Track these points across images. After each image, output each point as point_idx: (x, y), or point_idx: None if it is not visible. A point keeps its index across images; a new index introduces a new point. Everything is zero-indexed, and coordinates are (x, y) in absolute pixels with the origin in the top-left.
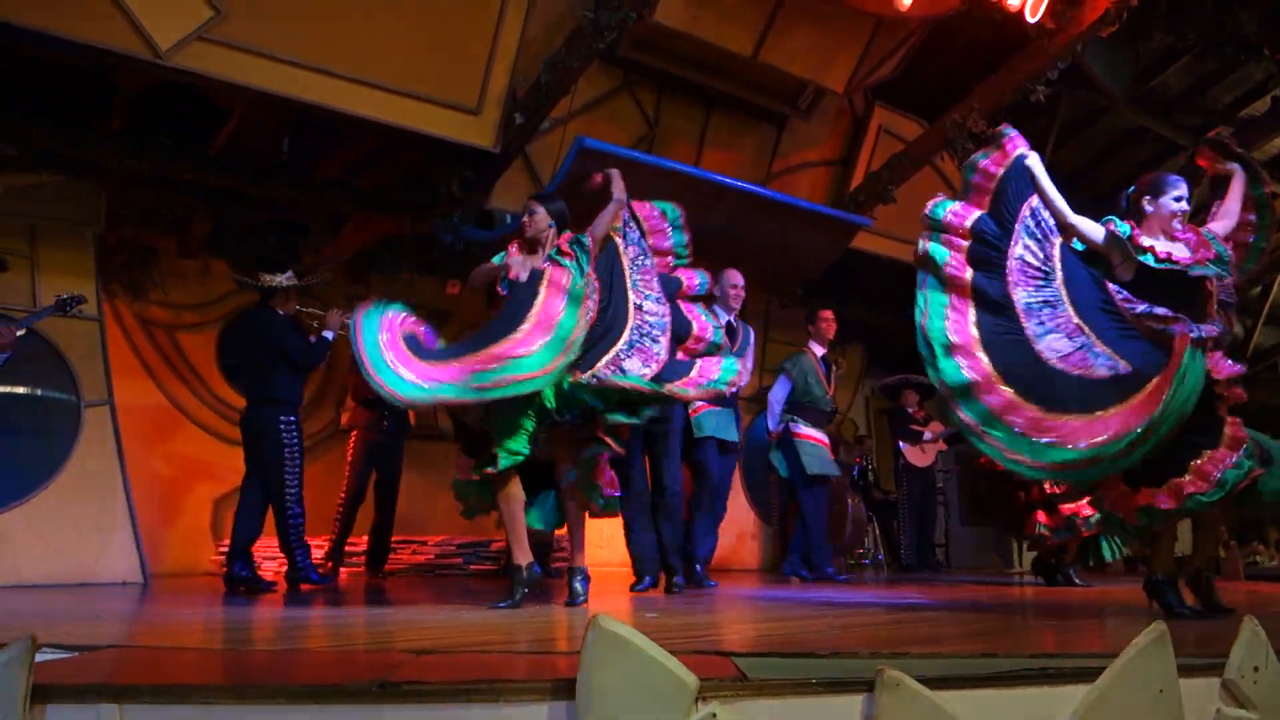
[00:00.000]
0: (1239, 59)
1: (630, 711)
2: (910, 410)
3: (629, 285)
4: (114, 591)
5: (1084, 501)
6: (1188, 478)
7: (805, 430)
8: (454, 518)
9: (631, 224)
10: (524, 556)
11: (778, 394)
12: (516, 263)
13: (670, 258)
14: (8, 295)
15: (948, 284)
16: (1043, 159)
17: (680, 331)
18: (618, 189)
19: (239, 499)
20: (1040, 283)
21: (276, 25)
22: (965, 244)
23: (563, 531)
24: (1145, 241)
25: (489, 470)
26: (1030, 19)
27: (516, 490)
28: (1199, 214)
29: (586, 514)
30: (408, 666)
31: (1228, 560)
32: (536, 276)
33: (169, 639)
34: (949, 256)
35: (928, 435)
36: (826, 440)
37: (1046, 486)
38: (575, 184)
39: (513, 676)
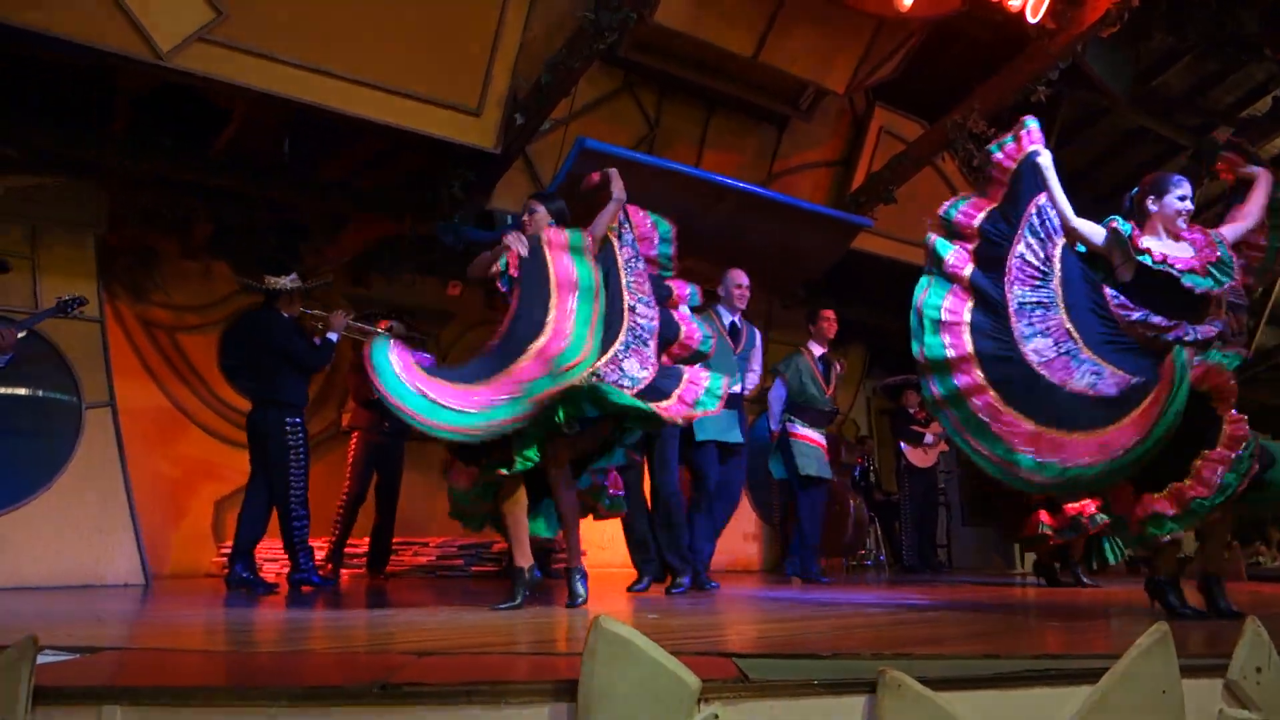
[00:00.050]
0: (1240, 59)
1: (632, 713)
2: (912, 411)
3: (623, 286)
4: (115, 593)
5: (1086, 501)
6: (1188, 482)
7: (802, 431)
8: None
9: (626, 225)
10: (525, 559)
11: (776, 394)
12: (513, 239)
13: (655, 268)
14: (9, 297)
15: (949, 279)
16: None
17: (667, 335)
18: (617, 188)
19: (244, 500)
20: (1037, 282)
21: (277, 26)
22: (972, 245)
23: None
24: (1144, 243)
25: (502, 472)
26: (1031, 19)
27: (522, 495)
28: (1199, 215)
29: (591, 515)
30: (409, 668)
31: (1230, 561)
32: (536, 244)
33: (170, 641)
34: (951, 253)
35: (929, 437)
36: (823, 441)
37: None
38: (576, 184)
39: (514, 678)
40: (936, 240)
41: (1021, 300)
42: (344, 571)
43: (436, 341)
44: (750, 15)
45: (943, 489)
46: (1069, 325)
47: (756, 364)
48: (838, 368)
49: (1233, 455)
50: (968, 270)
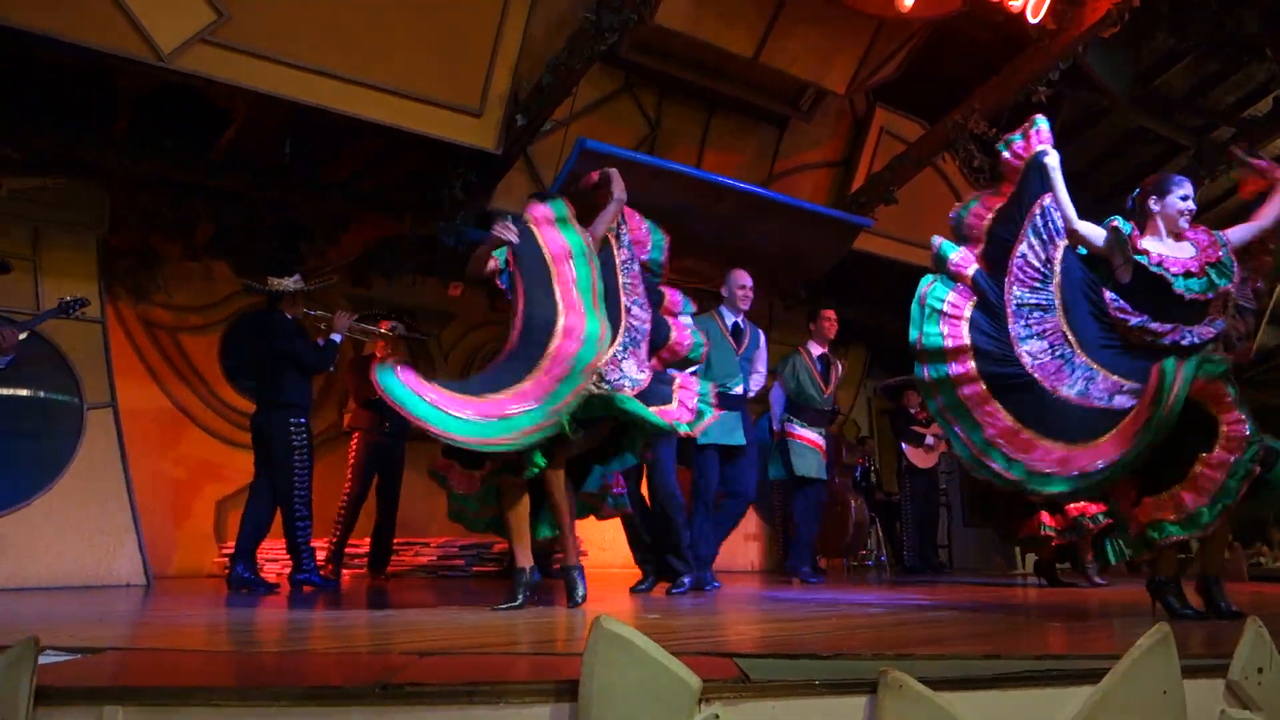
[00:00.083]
0: (1241, 60)
1: (633, 713)
2: (913, 411)
3: (620, 286)
4: (117, 594)
5: (1086, 503)
6: (1187, 486)
7: (799, 431)
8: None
9: (623, 226)
10: (526, 560)
11: (775, 395)
12: (500, 229)
13: (646, 273)
14: (11, 298)
15: (953, 277)
16: None
17: (656, 339)
18: (618, 188)
19: (247, 500)
20: (1037, 284)
21: (278, 27)
22: (979, 248)
23: None
24: (1143, 244)
25: (513, 479)
26: (1032, 20)
27: (524, 497)
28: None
29: (593, 515)
30: (410, 668)
31: (1231, 561)
32: (524, 227)
33: (172, 641)
34: (956, 253)
35: (930, 437)
36: (820, 441)
37: None
38: (576, 184)
39: (515, 678)
40: (942, 243)
41: (1020, 301)
42: (345, 572)
43: (437, 342)
44: (750, 16)
45: (944, 489)
46: (1066, 329)
47: (761, 365)
48: (838, 368)
49: (1232, 459)
50: (971, 270)
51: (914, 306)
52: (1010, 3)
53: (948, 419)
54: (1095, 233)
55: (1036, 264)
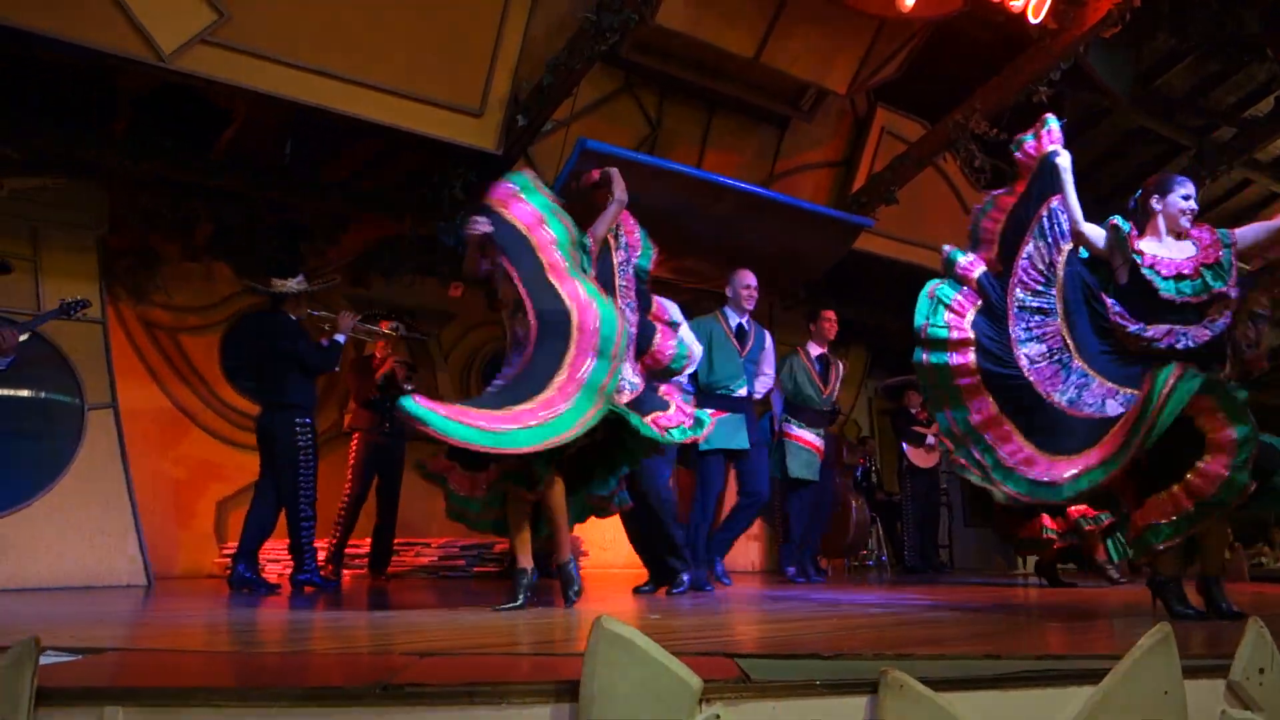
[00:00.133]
0: (1242, 60)
1: (633, 713)
2: (913, 411)
3: (616, 289)
4: (117, 594)
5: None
6: (1181, 490)
7: (796, 432)
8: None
9: (621, 228)
10: (528, 561)
11: (776, 394)
12: (471, 226)
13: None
14: (11, 298)
15: (960, 280)
16: None
17: (640, 344)
18: (619, 190)
19: (252, 500)
20: (1040, 287)
21: (279, 28)
22: (992, 253)
23: None
24: (1140, 244)
25: (524, 491)
26: (1033, 20)
27: (527, 500)
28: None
29: (594, 515)
30: (410, 669)
31: (1233, 561)
32: (489, 211)
33: (172, 642)
34: (964, 258)
35: (930, 437)
36: (818, 443)
37: None
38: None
39: (516, 678)
40: (952, 250)
41: (1022, 304)
42: (346, 573)
43: (437, 342)
44: (751, 16)
45: (944, 489)
46: (1065, 333)
47: (768, 367)
48: (839, 368)
49: (1224, 475)
50: (977, 273)
51: (922, 298)
52: (1011, 3)
53: (939, 402)
54: (1097, 234)
55: (1040, 267)
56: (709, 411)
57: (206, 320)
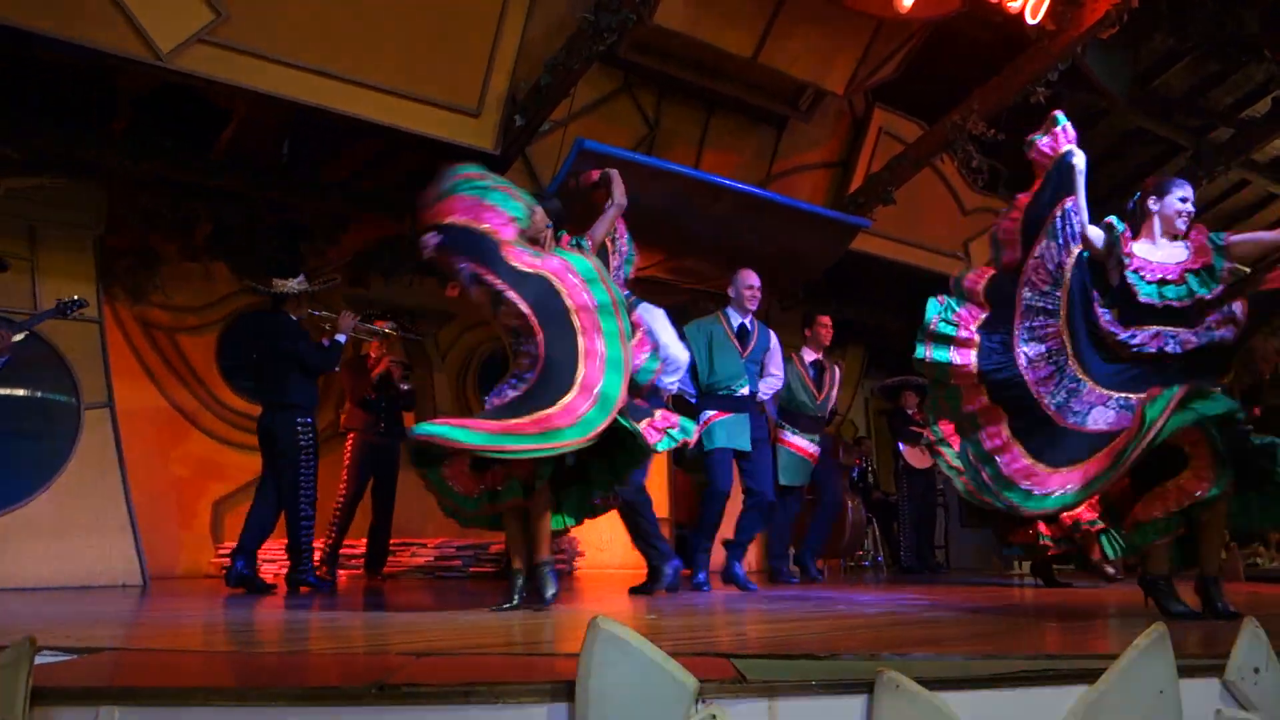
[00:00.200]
0: (1240, 60)
1: (630, 713)
2: (910, 412)
3: None
4: (113, 594)
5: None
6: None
7: (789, 438)
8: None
9: (617, 230)
10: (523, 562)
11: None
12: (423, 244)
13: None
14: (8, 298)
15: (966, 295)
16: None
17: None
18: (618, 192)
19: (254, 500)
20: (1046, 288)
21: (277, 27)
22: (1016, 252)
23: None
24: (1131, 247)
25: (519, 498)
26: (1031, 21)
27: (522, 501)
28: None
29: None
30: (407, 669)
31: (1228, 561)
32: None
33: (168, 641)
34: (969, 276)
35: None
36: (810, 449)
37: None
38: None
39: (512, 678)
40: (961, 271)
41: (1028, 304)
42: (341, 573)
43: (435, 341)
44: (750, 16)
45: (941, 490)
46: (1065, 336)
47: (774, 367)
48: (834, 373)
49: (1197, 493)
50: (982, 285)
51: (932, 301)
52: (1009, 3)
53: (935, 393)
54: (1096, 235)
55: (1049, 267)
56: (709, 413)
57: (204, 320)
